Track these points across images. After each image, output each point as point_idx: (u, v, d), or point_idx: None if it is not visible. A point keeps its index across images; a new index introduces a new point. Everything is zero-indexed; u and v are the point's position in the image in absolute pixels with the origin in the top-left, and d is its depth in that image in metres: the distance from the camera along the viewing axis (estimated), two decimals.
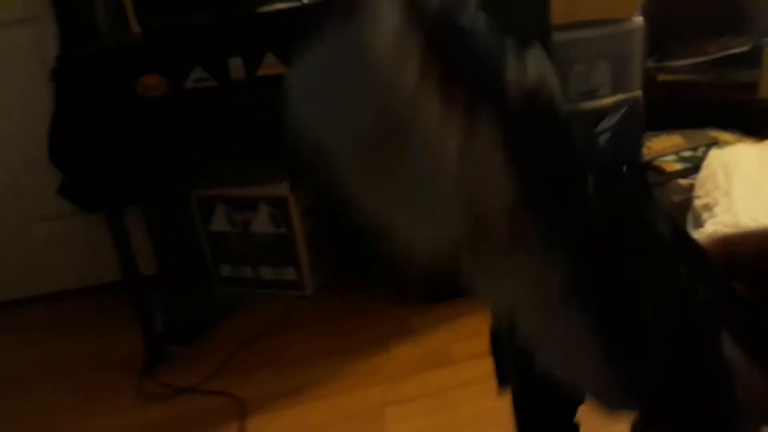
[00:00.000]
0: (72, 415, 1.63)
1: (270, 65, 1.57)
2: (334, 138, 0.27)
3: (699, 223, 1.59)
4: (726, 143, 2.09)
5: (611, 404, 0.27)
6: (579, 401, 0.30)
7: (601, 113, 2.17)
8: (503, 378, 0.32)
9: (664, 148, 2.08)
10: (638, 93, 2.20)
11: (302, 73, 0.30)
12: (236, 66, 1.57)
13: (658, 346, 0.27)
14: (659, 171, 1.98)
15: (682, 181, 1.92)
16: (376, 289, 1.96)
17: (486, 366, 1.58)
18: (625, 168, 0.31)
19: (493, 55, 0.27)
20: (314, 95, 0.28)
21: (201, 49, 1.57)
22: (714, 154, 1.87)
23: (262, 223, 1.97)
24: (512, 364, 0.32)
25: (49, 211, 2.04)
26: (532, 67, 0.27)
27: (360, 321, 1.83)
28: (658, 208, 0.30)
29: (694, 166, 1.95)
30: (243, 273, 2.05)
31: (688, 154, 2.08)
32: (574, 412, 0.30)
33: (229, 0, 1.69)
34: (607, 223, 0.26)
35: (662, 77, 2.33)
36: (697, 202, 1.70)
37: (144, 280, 1.80)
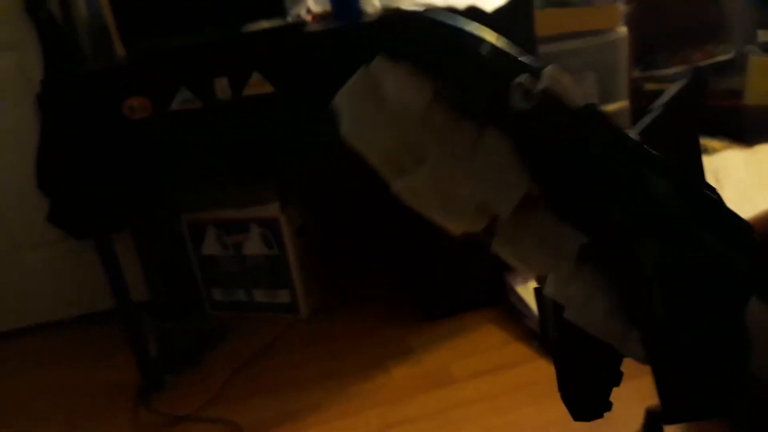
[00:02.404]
0: None
1: (256, 84, 1.56)
2: (369, 152, 0.30)
3: None
4: (714, 150, 2.10)
5: (635, 356, 0.29)
6: (615, 355, 0.31)
7: None
8: (545, 333, 0.34)
9: None
10: (626, 102, 2.21)
11: (341, 99, 0.35)
12: (222, 86, 1.56)
13: (668, 307, 0.28)
14: None
15: None
16: (373, 309, 1.94)
17: (487, 384, 1.57)
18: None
19: (497, 69, 0.28)
20: (352, 117, 0.32)
21: (186, 70, 1.56)
22: (703, 161, 1.87)
23: (253, 245, 1.94)
24: (552, 319, 0.34)
25: (38, 238, 2.01)
26: (543, 78, 0.27)
27: (356, 342, 1.81)
28: (693, 175, 0.31)
29: None
30: (236, 296, 2.02)
31: None
32: (613, 366, 0.31)
33: (213, 20, 1.68)
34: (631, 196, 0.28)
35: (649, 86, 2.35)
36: None
37: (136, 307, 1.77)
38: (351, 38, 1.61)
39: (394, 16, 0.30)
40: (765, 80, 2.23)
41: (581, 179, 0.27)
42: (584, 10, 2.16)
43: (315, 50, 1.59)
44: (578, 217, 0.27)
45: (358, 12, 1.67)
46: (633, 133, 0.30)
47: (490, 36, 0.30)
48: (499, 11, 1.58)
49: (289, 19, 1.66)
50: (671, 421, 0.31)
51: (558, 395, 1.54)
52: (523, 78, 0.27)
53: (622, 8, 2.18)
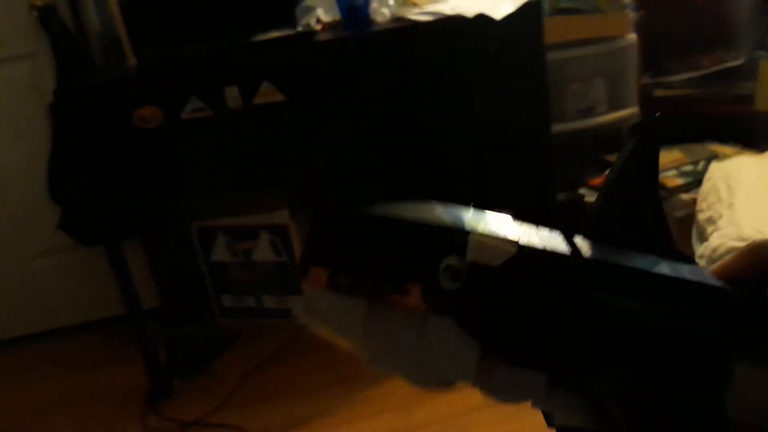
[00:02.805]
0: None
1: (266, 93, 1.58)
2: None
3: (704, 237, 1.58)
4: (726, 156, 2.09)
5: None
6: None
7: (599, 131, 2.18)
8: (548, 421, 0.35)
9: (664, 164, 2.08)
10: (635, 109, 2.21)
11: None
12: (233, 95, 1.57)
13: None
14: (661, 187, 1.98)
15: (685, 196, 1.92)
16: None
17: None
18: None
19: (422, 255, 0.27)
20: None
21: (197, 79, 1.58)
22: (715, 167, 1.87)
23: (263, 252, 1.95)
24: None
25: (49, 246, 2.03)
26: (469, 250, 0.26)
27: None
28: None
29: (695, 180, 1.94)
30: (245, 303, 2.03)
31: (688, 168, 2.07)
32: None
33: (224, 29, 1.70)
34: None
35: (659, 93, 2.34)
36: (701, 216, 1.69)
37: (146, 313, 1.79)
38: (360, 48, 1.62)
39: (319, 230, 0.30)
40: None
41: (526, 335, 0.27)
42: (593, 18, 2.16)
43: (325, 59, 1.60)
44: (534, 361, 0.28)
45: (368, 22, 1.68)
46: (583, 243, 0.30)
47: (409, 214, 0.28)
48: (508, 19, 1.59)
49: (299, 28, 1.68)
50: None
51: None
52: (449, 259, 0.26)
53: (631, 15, 2.18)
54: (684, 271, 0.29)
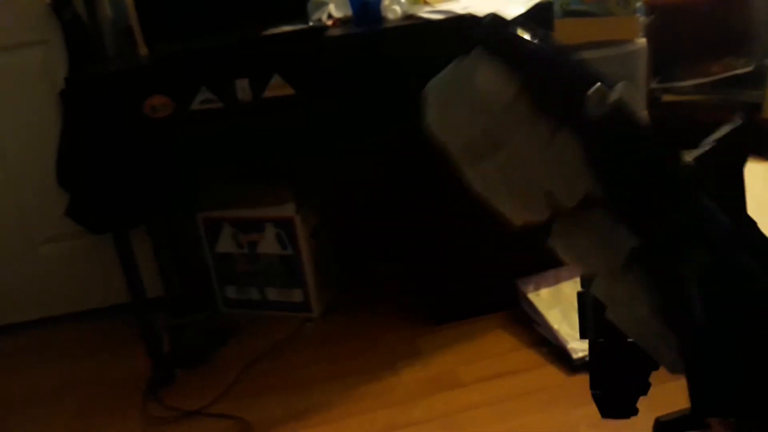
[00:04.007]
0: None
1: (276, 86, 1.58)
2: (451, 138, 0.34)
3: None
4: None
5: (671, 366, 0.31)
6: (649, 362, 0.33)
7: None
8: (583, 332, 0.37)
9: None
10: (643, 113, 2.21)
11: (431, 88, 0.36)
12: (243, 87, 1.58)
13: (707, 316, 0.30)
14: None
15: None
16: (383, 311, 1.95)
17: (493, 389, 1.57)
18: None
19: (577, 77, 0.32)
20: (439, 105, 0.34)
21: (207, 71, 1.58)
22: None
23: (268, 244, 1.96)
24: (591, 320, 0.37)
25: (56, 232, 2.04)
26: (615, 90, 0.31)
27: (367, 343, 1.82)
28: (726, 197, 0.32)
29: None
30: (249, 295, 2.04)
31: None
32: (645, 374, 0.33)
33: (235, 22, 1.71)
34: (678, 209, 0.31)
35: (667, 98, 2.34)
36: None
37: (150, 302, 1.80)
38: (371, 44, 1.62)
39: (495, 18, 0.38)
40: None
41: (641, 187, 0.29)
42: (604, 21, 2.16)
43: (335, 55, 1.61)
44: (633, 220, 0.31)
45: (379, 18, 1.68)
46: (688, 156, 0.33)
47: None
48: (519, 20, 1.59)
49: (311, 23, 1.68)
50: (701, 416, 0.33)
51: (564, 402, 1.54)
52: (598, 87, 0.30)
53: (641, 19, 2.18)
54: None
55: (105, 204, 1.65)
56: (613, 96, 0.29)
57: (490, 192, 0.33)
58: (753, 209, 1.69)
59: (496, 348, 1.72)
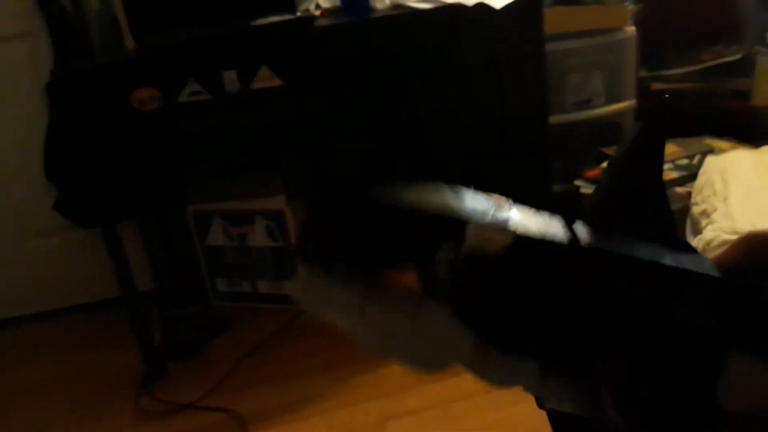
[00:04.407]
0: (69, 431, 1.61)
1: (265, 78, 1.57)
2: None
3: (697, 230, 1.59)
4: (721, 150, 2.10)
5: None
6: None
7: (596, 123, 2.19)
8: (539, 403, 0.35)
9: None
10: (632, 102, 2.22)
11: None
12: (231, 79, 1.57)
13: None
14: None
15: (679, 189, 1.92)
16: None
17: None
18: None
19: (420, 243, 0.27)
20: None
21: (195, 63, 1.57)
22: (710, 161, 1.88)
23: (258, 237, 1.96)
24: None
25: (45, 227, 2.03)
26: (468, 235, 0.26)
27: None
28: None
29: (690, 174, 1.95)
30: (240, 287, 2.04)
31: (684, 162, 2.08)
32: None
33: (223, 13, 1.69)
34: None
35: (656, 86, 2.35)
36: (695, 209, 1.70)
37: (141, 296, 1.79)
38: (359, 34, 1.62)
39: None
40: None
41: (520, 323, 0.27)
42: (593, 9, 2.16)
43: (323, 45, 1.60)
44: (528, 349, 0.28)
45: (367, 8, 1.68)
46: (582, 228, 0.29)
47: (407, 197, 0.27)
48: (508, 8, 1.59)
49: (299, 13, 1.67)
50: None
51: None
52: (446, 248, 0.26)
53: (631, 8, 2.18)
54: (684, 260, 0.28)
55: (93, 198, 1.64)
56: (465, 247, 0.26)
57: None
58: (742, 196, 1.69)
59: None
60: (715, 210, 1.62)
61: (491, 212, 0.27)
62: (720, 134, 2.25)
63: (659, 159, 0.30)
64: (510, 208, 0.28)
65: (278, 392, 1.63)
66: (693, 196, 1.78)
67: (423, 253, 0.26)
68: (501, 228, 0.26)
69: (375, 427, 1.47)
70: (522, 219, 0.27)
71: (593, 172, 2.06)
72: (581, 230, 0.28)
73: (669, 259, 0.28)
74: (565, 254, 0.27)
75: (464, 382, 1.59)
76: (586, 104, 2.17)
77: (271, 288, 2.01)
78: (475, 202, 0.27)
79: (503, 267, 0.26)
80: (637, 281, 0.27)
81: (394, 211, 0.27)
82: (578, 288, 0.27)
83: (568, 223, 0.28)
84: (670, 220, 0.31)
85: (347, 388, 1.61)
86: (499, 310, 0.27)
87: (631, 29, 2.17)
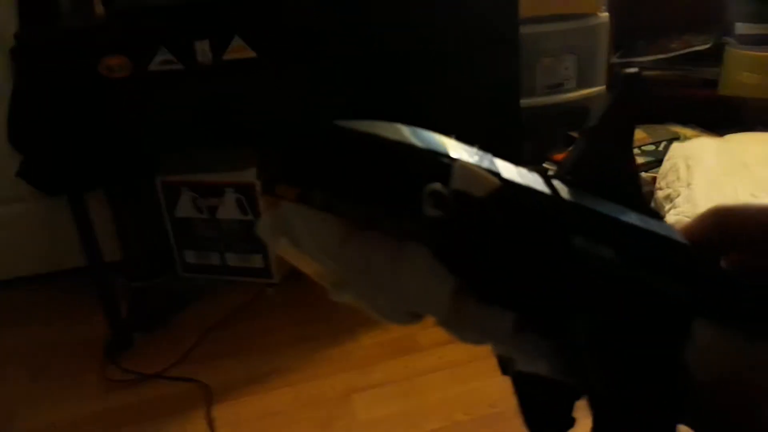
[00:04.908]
0: (33, 401, 1.60)
1: (237, 49, 1.56)
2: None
3: (661, 214, 1.63)
4: (687, 138, 2.15)
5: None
6: (574, 394, 0.30)
7: (566, 107, 2.22)
8: (504, 368, 0.34)
9: None
10: (602, 88, 2.25)
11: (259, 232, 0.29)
12: (203, 49, 1.55)
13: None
14: None
15: (645, 174, 1.97)
16: None
17: (451, 353, 1.61)
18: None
19: (407, 175, 0.25)
20: (271, 245, 0.29)
21: (166, 31, 1.55)
22: (675, 147, 1.92)
23: (228, 209, 1.95)
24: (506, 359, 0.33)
25: (10, 194, 1.99)
26: (454, 173, 0.25)
27: (327, 309, 1.83)
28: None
29: (656, 160, 2.00)
30: (209, 260, 2.03)
31: (650, 148, 2.13)
32: (571, 404, 0.31)
33: None
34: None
35: (627, 71, 2.38)
36: (659, 194, 1.75)
37: (108, 266, 1.77)
38: (334, 8, 1.61)
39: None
40: (740, 72, 2.27)
41: (502, 272, 0.26)
42: None
43: (297, 16, 1.59)
44: (507, 300, 0.26)
45: None
46: (563, 186, 0.27)
47: (390, 133, 0.25)
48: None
49: None
50: None
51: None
52: (434, 184, 0.24)
53: None
54: (653, 225, 0.29)
55: (58, 165, 1.61)
56: (453, 185, 0.24)
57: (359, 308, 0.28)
58: (705, 182, 1.73)
59: None
60: (678, 195, 1.66)
61: (476, 155, 0.26)
62: (687, 121, 2.30)
63: (631, 127, 0.30)
64: (492, 157, 0.27)
65: (245, 364, 1.64)
66: (658, 181, 1.82)
67: (408, 189, 0.24)
68: (488, 170, 0.25)
69: (340, 399, 1.50)
70: (505, 167, 0.26)
71: (561, 156, 2.10)
72: (559, 186, 0.27)
73: (639, 221, 0.28)
74: (548, 205, 0.26)
75: (428, 357, 1.62)
76: (558, 88, 2.19)
77: (239, 261, 2.01)
78: (459, 146, 0.26)
79: (490, 210, 0.25)
80: (613, 241, 0.27)
81: (377, 143, 0.24)
82: (559, 242, 0.26)
83: (547, 178, 0.28)
84: (638, 185, 0.31)
85: (313, 361, 1.62)
86: (483, 255, 0.25)
87: (605, 15, 2.20)
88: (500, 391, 1.46)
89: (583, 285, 0.26)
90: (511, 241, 0.26)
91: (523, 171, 0.27)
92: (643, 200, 0.30)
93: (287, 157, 0.26)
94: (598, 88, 2.23)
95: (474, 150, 0.27)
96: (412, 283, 0.26)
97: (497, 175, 0.25)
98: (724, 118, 2.25)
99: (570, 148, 0.32)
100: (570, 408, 0.32)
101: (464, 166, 0.25)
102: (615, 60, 2.38)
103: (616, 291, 0.26)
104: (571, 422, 0.33)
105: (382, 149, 0.24)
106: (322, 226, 0.25)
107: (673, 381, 0.27)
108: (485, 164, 0.26)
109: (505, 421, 1.37)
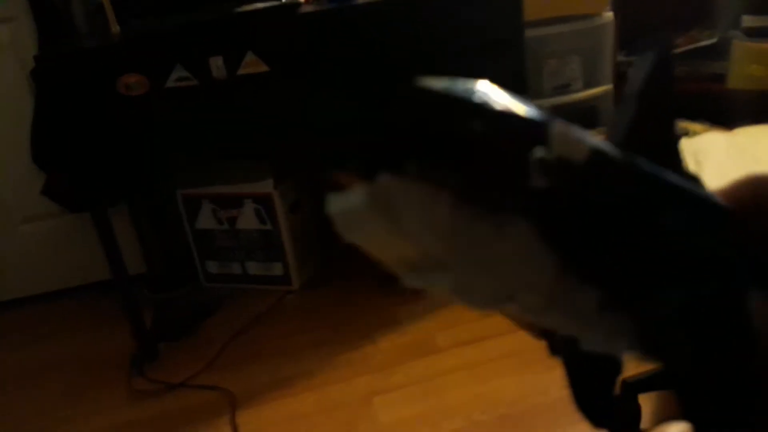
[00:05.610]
0: (63, 414, 1.65)
1: (251, 64, 1.60)
2: (377, 254, 0.27)
3: None
4: (696, 133, 2.16)
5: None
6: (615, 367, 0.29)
7: (574, 108, 2.23)
8: (554, 349, 0.31)
9: None
10: (610, 86, 2.26)
11: (339, 216, 0.26)
12: (217, 65, 1.59)
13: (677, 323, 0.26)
14: None
15: None
16: (362, 282, 1.99)
17: (470, 353, 1.63)
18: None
19: (508, 142, 0.23)
20: (355, 232, 0.26)
21: (181, 49, 1.59)
22: (684, 143, 1.93)
23: (247, 220, 1.99)
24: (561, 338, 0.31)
25: (34, 211, 2.04)
26: (553, 137, 0.23)
27: (346, 313, 1.87)
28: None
29: None
30: (230, 269, 2.08)
31: None
32: (612, 382, 0.30)
33: (206, 0, 1.71)
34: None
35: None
36: None
37: (132, 279, 1.82)
38: (344, 20, 1.64)
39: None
40: (747, 65, 2.28)
41: (601, 246, 0.24)
42: None
43: (309, 31, 1.63)
44: (599, 277, 0.25)
45: None
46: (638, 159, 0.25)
47: (489, 97, 0.23)
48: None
49: (284, 0, 1.69)
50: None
51: (536, 366, 1.58)
52: (540, 151, 0.22)
53: None
54: (709, 194, 0.27)
55: (80, 182, 1.65)
56: (555, 152, 0.22)
57: (440, 296, 0.26)
58: (714, 176, 1.75)
59: (471, 314, 1.77)
60: None
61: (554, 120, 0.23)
62: (695, 117, 2.31)
63: (672, 90, 0.28)
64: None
65: (268, 370, 1.68)
66: None
67: (513, 157, 0.22)
68: (581, 133, 0.23)
69: (362, 402, 1.53)
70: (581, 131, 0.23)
71: None
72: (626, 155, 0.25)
73: (702, 192, 0.27)
74: (635, 171, 0.24)
75: (447, 358, 1.64)
76: (564, 89, 2.21)
77: (260, 269, 2.05)
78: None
79: (590, 177, 0.23)
80: (672, 209, 0.25)
81: (474, 107, 0.22)
82: (646, 210, 0.24)
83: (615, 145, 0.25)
84: (680, 151, 0.29)
85: (335, 365, 1.66)
86: (585, 227, 0.23)
87: (609, 15, 2.21)
88: (519, 390, 1.48)
89: (675, 259, 0.25)
90: (606, 212, 0.24)
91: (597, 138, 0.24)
92: (686, 166, 0.29)
93: (376, 130, 0.23)
94: (605, 88, 2.25)
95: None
96: (516, 261, 0.24)
97: (588, 138, 0.23)
98: (732, 111, 2.25)
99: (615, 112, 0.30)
100: (612, 385, 0.30)
101: (563, 128, 0.23)
102: (621, 59, 2.40)
103: (706, 265, 0.25)
104: (637, 411, 0.32)
105: (483, 115, 0.22)
106: (428, 199, 0.23)
107: (751, 352, 0.26)
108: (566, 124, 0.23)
109: (524, 420, 1.39)
